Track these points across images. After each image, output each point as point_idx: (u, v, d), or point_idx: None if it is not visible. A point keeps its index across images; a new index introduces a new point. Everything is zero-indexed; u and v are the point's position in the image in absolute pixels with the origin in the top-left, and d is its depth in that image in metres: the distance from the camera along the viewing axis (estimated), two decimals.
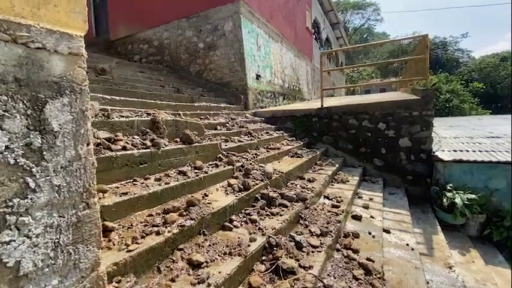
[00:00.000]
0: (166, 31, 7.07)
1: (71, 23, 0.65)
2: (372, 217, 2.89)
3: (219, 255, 1.44)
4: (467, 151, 4.06)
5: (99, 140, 1.76)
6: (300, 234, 2.02)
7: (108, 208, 1.43)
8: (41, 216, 0.59)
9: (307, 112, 5.14)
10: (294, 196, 2.43)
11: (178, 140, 2.49)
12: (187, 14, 6.62)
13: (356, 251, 2.12)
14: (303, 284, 1.45)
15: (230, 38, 6.04)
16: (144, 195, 1.62)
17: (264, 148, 3.79)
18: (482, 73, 26.88)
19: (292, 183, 2.99)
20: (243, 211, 2.03)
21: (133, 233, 1.37)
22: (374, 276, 1.77)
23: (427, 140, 4.15)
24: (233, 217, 1.90)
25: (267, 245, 1.66)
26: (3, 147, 0.55)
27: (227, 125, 4.03)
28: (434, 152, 4.10)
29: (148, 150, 1.99)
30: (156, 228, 1.42)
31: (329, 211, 2.59)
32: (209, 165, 2.52)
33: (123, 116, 2.22)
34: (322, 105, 5.00)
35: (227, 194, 2.08)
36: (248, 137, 3.87)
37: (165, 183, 1.83)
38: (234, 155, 2.94)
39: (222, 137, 3.45)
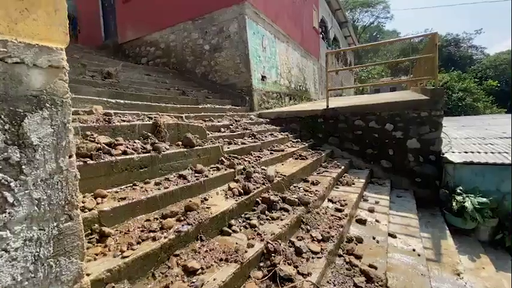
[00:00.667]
0: (173, 33, 7.14)
1: (51, 36, 0.65)
2: (377, 221, 2.82)
3: (215, 262, 1.43)
4: (479, 152, 3.92)
5: (99, 145, 1.78)
6: (300, 240, 1.99)
7: (106, 213, 1.44)
8: (20, 230, 0.60)
9: (312, 113, 5.08)
10: (296, 200, 2.40)
11: (180, 143, 2.50)
12: (192, 17, 6.67)
13: (359, 257, 2.07)
14: None
15: (235, 39, 6.04)
16: (142, 200, 1.63)
17: (268, 150, 3.76)
18: (497, 70, 25.98)
19: (295, 186, 2.96)
20: (242, 215, 2.02)
21: (130, 238, 1.37)
22: (376, 284, 1.72)
23: (436, 141, 4.03)
24: (232, 222, 1.89)
25: (265, 251, 1.64)
26: None
27: (231, 127, 4.03)
28: (443, 154, 3.98)
29: (149, 154, 2.00)
30: (152, 234, 1.42)
31: (332, 215, 2.55)
32: (210, 168, 2.51)
33: (124, 121, 2.24)
34: (327, 106, 4.93)
35: (227, 198, 2.07)
36: (252, 139, 3.85)
37: (164, 188, 1.84)
38: (236, 157, 2.93)
39: (225, 140, 3.45)
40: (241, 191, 2.16)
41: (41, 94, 0.64)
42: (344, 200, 2.96)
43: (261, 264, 1.58)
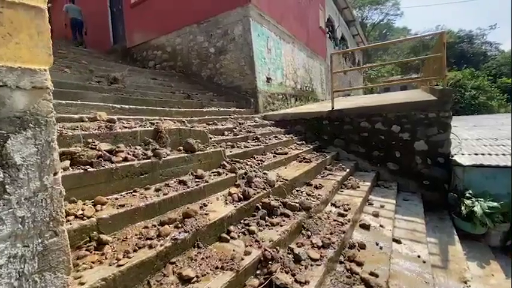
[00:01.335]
0: (179, 37, 7.22)
1: (35, 59, 0.67)
2: (381, 226, 2.77)
3: (211, 270, 1.44)
4: (490, 155, 3.79)
5: (100, 152, 1.82)
6: (300, 246, 1.97)
7: (104, 221, 1.47)
8: (3, 247, 0.61)
9: (317, 115, 5.04)
10: (297, 205, 2.38)
11: (181, 148, 2.52)
12: (198, 20, 6.73)
13: (360, 264, 2.04)
14: None
15: (240, 42, 6.05)
16: (141, 207, 1.65)
17: (271, 153, 3.75)
18: None
19: (297, 190, 2.93)
20: (242, 221, 2.02)
21: (127, 246, 1.39)
22: None
23: (445, 143, 3.93)
24: (231, 228, 1.89)
25: (262, 259, 1.63)
26: None
27: (234, 130, 4.04)
28: (452, 156, 3.87)
29: (149, 160, 2.03)
30: (149, 242, 1.44)
31: (335, 220, 2.51)
32: (212, 173, 2.52)
33: (126, 127, 2.28)
34: (333, 108, 4.88)
35: (227, 203, 2.08)
36: (255, 142, 3.85)
37: (164, 194, 1.86)
38: (238, 161, 2.93)
39: (228, 143, 3.46)
40: (241, 196, 2.16)
41: (24, 115, 0.67)
42: (348, 205, 2.91)
43: (258, 272, 1.58)
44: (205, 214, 1.84)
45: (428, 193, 4.05)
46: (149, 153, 2.10)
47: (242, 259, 1.54)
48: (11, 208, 0.63)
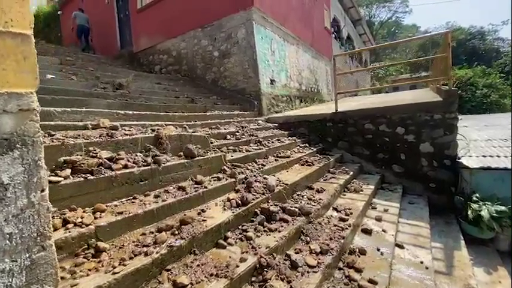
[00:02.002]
0: (183, 41, 7.32)
1: (21, 83, 0.71)
2: (383, 231, 2.74)
3: (205, 277, 1.45)
4: (498, 156, 3.69)
5: (101, 160, 1.86)
6: (298, 252, 1.97)
7: (102, 228, 1.51)
8: None
9: (321, 117, 5.01)
10: (297, 210, 2.38)
11: (182, 154, 2.55)
12: (202, 24, 6.81)
13: (359, 271, 2.02)
14: None
15: (243, 45, 6.09)
16: (139, 214, 1.69)
17: (274, 156, 3.75)
18: None
19: (298, 195, 2.93)
20: (240, 227, 2.03)
21: (123, 253, 1.43)
22: None
23: (451, 145, 3.85)
24: (228, 234, 1.91)
25: (257, 266, 1.64)
26: None
27: (237, 134, 4.06)
28: (459, 158, 3.79)
29: (149, 167, 2.07)
30: (145, 249, 1.47)
31: (335, 225, 2.50)
32: (212, 178, 2.55)
33: (127, 134, 2.33)
34: (336, 110, 4.85)
35: (225, 209, 2.09)
36: (257, 145, 3.85)
37: (162, 201, 1.89)
38: (239, 166, 2.95)
39: (230, 147, 3.48)
40: (239, 202, 2.18)
41: (11, 137, 0.70)
42: (349, 209, 2.89)
43: (253, 279, 1.59)
44: (203, 220, 1.86)
45: (434, 196, 3.98)
46: (149, 160, 2.14)
47: (237, 266, 1.56)
48: None
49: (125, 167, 1.97)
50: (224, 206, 2.15)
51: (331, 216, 2.71)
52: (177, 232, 1.65)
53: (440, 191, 3.94)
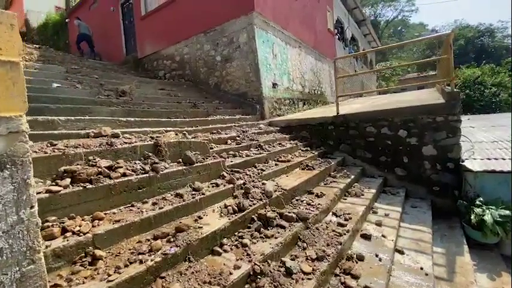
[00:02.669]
0: (187, 46, 7.42)
1: (10, 107, 0.75)
2: (383, 236, 2.72)
3: (198, 284, 1.48)
4: (504, 159, 3.62)
5: (100, 169, 1.92)
6: (293, 259, 1.98)
7: (100, 236, 1.55)
8: None
9: (322, 120, 5.01)
10: (294, 216, 2.39)
11: (181, 160, 2.60)
12: (204, 29, 6.90)
13: (356, 277, 2.02)
14: None
15: (245, 49, 6.14)
16: (136, 222, 1.73)
17: (274, 161, 3.76)
18: None
19: (297, 200, 2.93)
20: (236, 234, 2.05)
21: (119, 261, 1.47)
22: None
23: (454, 148, 3.79)
24: (224, 241, 1.93)
25: (251, 273, 1.66)
26: None
27: (237, 138, 4.09)
28: (463, 161, 3.73)
29: (147, 175, 2.11)
30: (140, 257, 1.51)
31: (333, 230, 2.49)
32: (210, 184, 2.58)
33: (126, 143, 2.39)
34: (338, 113, 4.84)
35: (221, 216, 2.12)
36: (258, 150, 3.87)
37: (159, 208, 1.93)
38: (238, 171, 2.98)
39: (231, 152, 3.51)
40: (236, 208, 2.20)
41: (1, 158, 0.74)
42: (349, 214, 2.88)
43: (247, 286, 1.61)
44: (199, 227, 1.89)
45: (438, 199, 3.92)
46: (147, 167, 2.19)
47: (231, 273, 1.58)
48: None
49: (124, 175, 2.02)
50: (221, 212, 2.17)
51: (330, 221, 2.71)
52: (172, 240, 1.69)
53: (444, 195, 3.88)
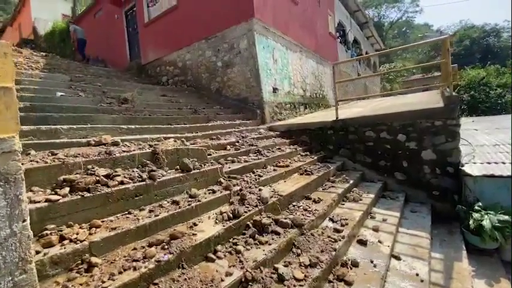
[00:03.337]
0: (188, 53, 7.54)
1: (3, 129, 0.81)
2: (379, 242, 2.72)
3: None
4: (504, 163, 3.59)
5: (98, 178, 1.98)
6: (287, 266, 2.01)
7: (96, 244, 1.61)
8: None
9: (321, 125, 5.03)
10: (289, 222, 2.41)
11: (178, 167, 2.65)
12: (206, 36, 7.00)
13: (349, 283, 2.03)
14: None
15: (245, 55, 6.21)
16: (131, 229, 1.78)
17: (273, 166, 3.80)
18: None
19: (294, 205, 2.96)
20: (230, 240, 2.09)
21: (114, 268, 1.52)
22: None
23: (454, 152, 3.78)
24: (218, 247, 1.97)
25: (243, 279, 1.69)
26: None
27: (237, 144, 4.14)
28: (462, 165, 3.71)
29: (144, 183, 2.17)
30: (134, 263, 1.56)
31: (329, 236, 2.51)
32: (207, 190, 2.63)
33: (124, 151, 2.46)
34: (337, 117, 4.86)
35: (216, 222, 2.16)
36: (256, 155, 3.91)
37: (155, 215, 1.98)
38: (235, 178, 3.02)
39: (229, 158, 3.56)
40: (231, 215, 2.24)
41: None
42: (346, 219, 2.89)
43: None
44: (193, 234, 1.93)
45: (438, 204, 3.90)
46: (144, 175, 2.25)
47: (222, 280, 1.62)
48: None
49: (121, 183, 2.08)
50: (216, 219, 2.21)
51: (326, 227, 2.73)
52: (166, 247, 1.74)
53: (444, 199, 3.86)
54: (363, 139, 4.55)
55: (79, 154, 2.17)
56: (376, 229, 2.98)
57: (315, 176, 3.70)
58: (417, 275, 2.35)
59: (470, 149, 4.29)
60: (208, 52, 7.06)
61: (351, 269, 2.25)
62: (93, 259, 1.54)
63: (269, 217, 2.44)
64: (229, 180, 2.84)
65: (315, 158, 4.53)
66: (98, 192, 1.89)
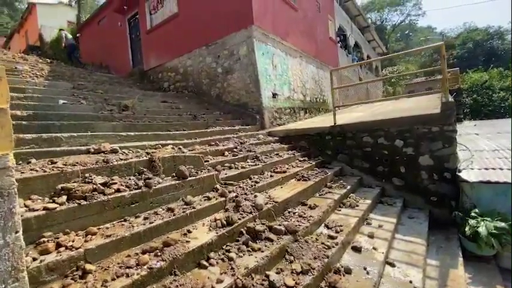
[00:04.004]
0: (189, 59, 7.65)
1: None
2: (374, 248, 2.73)
3: None
4: (501, 169, 3.58)
5: (95, 186, 2.04)
6: (278, 273, 2.03)
7: (91, 251, 1.66)
8: None
9: (319, 130, 5.07)
10: (283, 229, 2.44)
11: (174, 175, 2.71)
12: (206, 42, 7.11)
13: None
14: None
15: (245, 61, 6.30)
16: (126, 237, 1.83)
17: (270, 172, 3.84)
18: None
19: (290, 212, 2.98)
20: (223, 247, 2.12)
21: (107, 275, 1.57)
22: None
23: (451, 158, 3.78)
24: (211, 254, 2.00)
25: (233, 287, 1.73)
26: None
27: (235, 150, 4.19)
28: (460, 171, 3.71)
29: (139, 190, 2.23)
30: (127, 270, 1.60)
31: (323, 243, 2.53)
32: (203, 197, 2.67)
33: (121, 159, 2.52)
34: (335, 123, 4.89)
35: (210, 229, 2.20)
36: (254, 161, 3.95)
37: (150, 223, 2.03)
38: (231, 184, 3.07)
39: (226, 164, 3.60)
40: (225, 222, 2.28)
41: None
42: (341, 226, 2.91)
43: None
44: (186, 242, 1.98)
45: (436, 210, 3.90)
46: (141, 183, 2.31)
47: (213, 287, 1.66)
48: None
49: (118, 191, 2.14)
50: (210, 226, 2.25)
51: (321, 233, 2.75)
52: (159, 254, 1.78)
53: (442, 205, 3.85)
54: (361, 144, 4.57)
55: (77, 163, 2.24)
56: (371, 235, 2.99)
57: (312, 181, 3.72)
58: (411, 282, 2.35)
59: (468, 155, 4.28)
60: (208, 58, 7.16)
61: (344, 276, 2.27)
62: (88, 266, 1.58)
63: (263, 224, 2.47)
64: (225, 187, 2.88)
65: (313, 163, 4.56)
66: (95, 200, 1.94)
